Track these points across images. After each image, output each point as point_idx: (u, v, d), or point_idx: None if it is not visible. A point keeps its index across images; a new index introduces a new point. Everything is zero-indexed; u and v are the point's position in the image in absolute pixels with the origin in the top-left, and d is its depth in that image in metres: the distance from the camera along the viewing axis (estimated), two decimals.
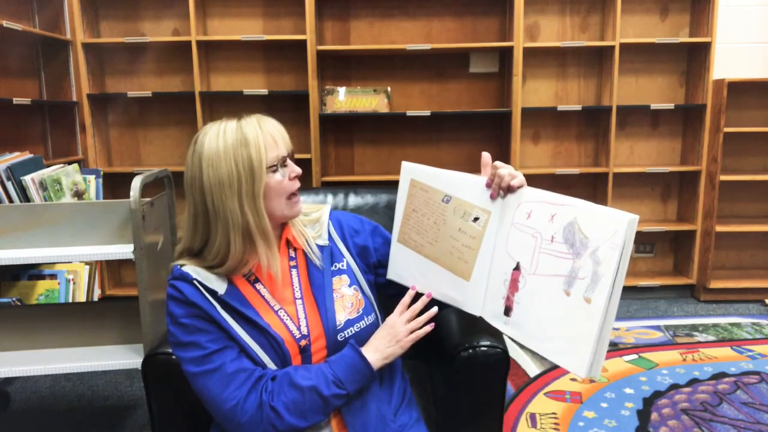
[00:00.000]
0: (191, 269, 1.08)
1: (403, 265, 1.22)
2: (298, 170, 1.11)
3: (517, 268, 1.04)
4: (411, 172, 1.21)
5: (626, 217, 0.89)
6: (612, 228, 0.90)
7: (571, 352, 0.94)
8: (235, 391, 1.03)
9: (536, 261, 1.01)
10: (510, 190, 1.07)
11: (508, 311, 1.06)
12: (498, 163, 1.08)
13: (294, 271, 1.16)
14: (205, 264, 1.09)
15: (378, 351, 1.11)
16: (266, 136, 1.06)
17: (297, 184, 1.12)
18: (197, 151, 1.06)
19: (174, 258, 1.13)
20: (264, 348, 1.07)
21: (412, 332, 1.13)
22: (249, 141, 1.04)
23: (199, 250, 1.10)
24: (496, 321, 1.09)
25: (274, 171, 1.07)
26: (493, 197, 1.09)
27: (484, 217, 1.10)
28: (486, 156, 1.12)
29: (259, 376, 1.05)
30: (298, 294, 1.14)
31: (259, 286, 1.12)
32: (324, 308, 1.12)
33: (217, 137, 1.05)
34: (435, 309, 1.15)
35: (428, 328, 1.14)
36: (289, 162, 1.10)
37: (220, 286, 1.07)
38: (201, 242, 1.09)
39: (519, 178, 1.06)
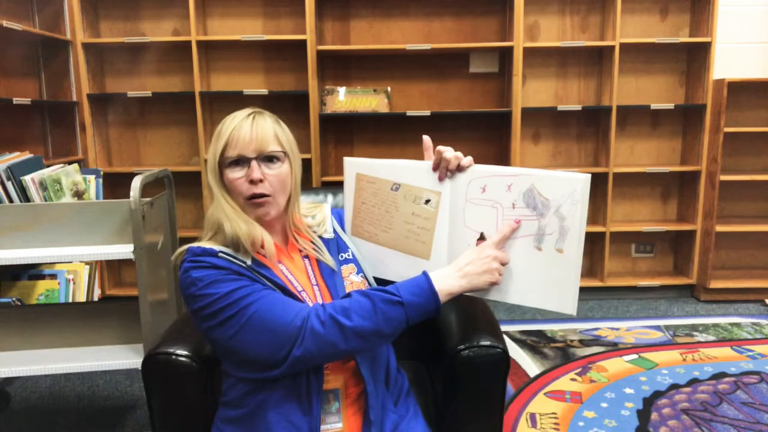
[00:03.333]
0: (212, 245, 1.09)
1: (362, 257, 1.26)
2: (253, 175, 1.08)
3: (481, 237, 1.11)
4: (355, 167, 1.25)
5: (581, 176, 1.02)
6: (570, 188, 1.02)
7: (558, 296, 1.06)
8: (301, 309, 1.02)
9: (501, 228, 1.09)
10: (459, 169, 1.11)
11: None
12: (441, 147, 1.12)
13: (306, 260, 1.19)
14: (223, 243, 1.10)
15: (467, 276, 1.05)
16: (236, 132, 1.09)
17: (255, 188, 1.09)
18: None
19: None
20: None
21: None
22: (220, 132, 1.11)
23: (215, 232, 1.11)
24: None
25: (233, 166, 1.09)
26: (441, 179, 1.14)
27: (435, 198, 1.15)
28: (427, 140, 1.17)
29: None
30: (313, 281, 1.17)
31: (282, 267, 1.15)
32: (336, 295, 1.15)
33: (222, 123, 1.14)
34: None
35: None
36: (253, 164, 1.08)
37: (246, 258, 1.09)
38: (218, 219, 1.10)
39: (467, 158, 1.11)
